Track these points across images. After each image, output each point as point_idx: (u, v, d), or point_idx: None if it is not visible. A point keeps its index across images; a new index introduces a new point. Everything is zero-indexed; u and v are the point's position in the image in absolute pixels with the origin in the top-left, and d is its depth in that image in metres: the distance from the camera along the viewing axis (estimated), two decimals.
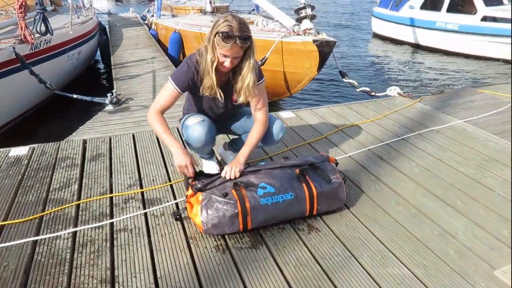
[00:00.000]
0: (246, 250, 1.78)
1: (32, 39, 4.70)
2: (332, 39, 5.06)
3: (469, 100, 3.95)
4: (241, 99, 2.04)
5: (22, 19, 4.44)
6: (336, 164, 2.16)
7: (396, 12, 11.83)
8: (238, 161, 2.00)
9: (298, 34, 5.22)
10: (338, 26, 15.37)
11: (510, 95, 3.97)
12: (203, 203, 1.81)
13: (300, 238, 1.87)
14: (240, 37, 1.79)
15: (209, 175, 1.98)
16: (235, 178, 1.92)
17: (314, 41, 4.97)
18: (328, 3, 22.99)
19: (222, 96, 2.04)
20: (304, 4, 5.26)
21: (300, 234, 1.89)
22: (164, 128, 2.00)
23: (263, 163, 2.09)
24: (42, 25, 4.86)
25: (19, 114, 5.10)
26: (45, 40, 5.14)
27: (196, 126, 2.11)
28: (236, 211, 1.80)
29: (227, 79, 2.06)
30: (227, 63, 1.88)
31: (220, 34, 1.79)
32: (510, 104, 3.73)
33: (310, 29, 5.18)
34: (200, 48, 1.98)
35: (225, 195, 1.83)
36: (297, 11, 5.38)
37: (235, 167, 1.94)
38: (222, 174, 1.93)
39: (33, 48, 4.87)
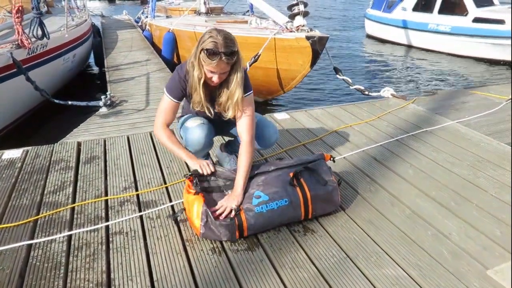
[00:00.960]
0: (242, 252, 1.79)
1: (29, 43, 4.66)
2: (325, 34, 5.07)
3: (462, 101, 4.00)
4: (230, 114, 2.01)
5: (19, 24, 4.39)
6: (333, 160, 2.16)
7: (389, 14, 11.92)
8: (236, 195, 1.88)
9: (291, 31, 5.23)
10: (332, 28, 15.43)
11: (510, 97, 4.00)
12: (205, 207, 1.81)
13: (296, 239, 1.88)
14: (226, 53, 1.77)
15: (208, 177, 1.97)
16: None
17: (307, 37, 4.98)
18: (322, 5, 23.09)
19: (212, 112, 2.05)
20: (297, 0, 5.27)
21: (295, 236, 1.90)
22: (173, 141, 2.03)
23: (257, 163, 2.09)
24: (39, 29, 4.83)
25: (14, 120, 5.06)
26: (41, 44, 5.10)
27: (196, 129, 2.11)
28: (232, 222, 1.81)
29: (216, 91, 2.05)
30: (215, 78, 1.88)
31: (205, 51, 1.77)
32: (510, 105, 3.77)
33: (303, 25, 5.19)
34: (188, 61, 1.97)
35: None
36: (290, 7, 5.39)
37: (233, 202, 1.86)
38: (220, 211, 1.83)
39: (30, 53, 4.83)
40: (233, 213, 1.83)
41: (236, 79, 1.92)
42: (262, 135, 2.22)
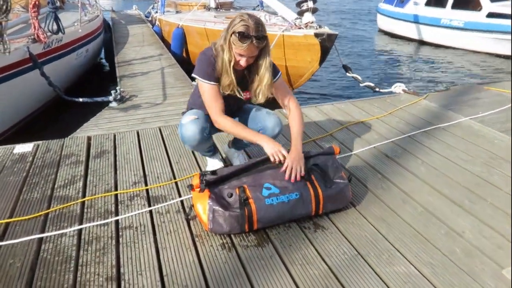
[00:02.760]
0: (252, 248, 1.78)
1: (45, 38, 4.70)
2: (333, 32, 5.02)
3: (475, 97, 3.92)
4: (260, 99, 2.04)
5: (35, 18, 4.43)
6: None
7: (401, 9, 11.77)
8: (297, 153, 1.95)
9: (299, 28, 5.18)
10: (344, 22, 15.33)
11: (510, 92, 3.93)
12: (210, 203, 1.80)
13: (306, 236, 1.86)
14: (257, 37, 1.80)
15: (216, 172, 1.94)
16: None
17: (316, 34, 4.93)
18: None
19: (241, 94, 2.04)
20: None
21: (306, 232, 1.88)
22: (240, 125, 2.02)
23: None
24: (54, 23, 4.87)
25: (28, 114, 5.10)
26: (56, 39, 5.14)
27: (189, 125, 2.09)
28: (242, 212, 1.79)
29: (242, 75, 2.05)
30: (242, 62, 1.90)
31: (237, 34, 1.79)
32: (510, 102, 3.70)
33: (312, 22, 5.14)
34: (215, 45, 1.97)
35: (230, 196, 1.83)
36: (299, 4, 5.35)
37: (299, 163, 1.92)
38: (288, 174, 1.88)
39: (45, 47, 4.86)
40: (303, 172, 1.89)
41: (265, 64, 1.94)
42: (265, 126, 2.22)
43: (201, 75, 1.99)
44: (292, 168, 1.89)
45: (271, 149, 1.93)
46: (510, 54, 9.23)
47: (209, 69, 1.98)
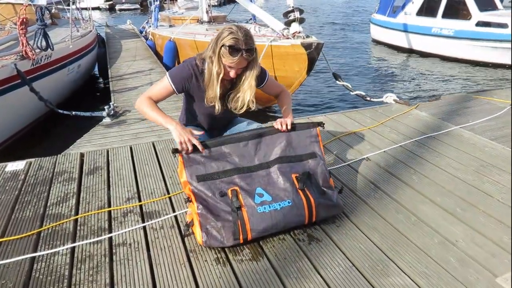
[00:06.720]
0: (246, 262, 1.77)
1: (33, 55, 4.71)
2: (320, 41, 5.08)
3: (465, 106, 3.97)
4: (238, 109, 2.05)
5: (23, 35, 4.46)
6: (323, 126, 2.19)
7: (393, 19, 11.97)
8: (288, 117, 2.11)
9: (287, 38, 5.24)
10: (339, 33, 15.54)
11: (510, 100, 3.98)
12: (201, 218, 1.80)
13: (300, 248, 1.86)
14: (246, 50, 1.81)
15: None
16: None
17: (302, 43, 5.00)
18: (330, 9, 23.23)
19: (220, 109, 2.04)
20: (292, 7, 5.29)
21: (300, 245, 1.88)
22: (154, 107, 1.99)
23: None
24: (43, 40, 4.90)
25: (19, 130, 5.09)
26: (45, 55, 5.16)
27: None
28: (234, 220, 1.79)
29: (231, 85, 2.07)
30: (232, 73, 1.91)
31: (227, 48, 1.80)
32: (510, 109, 3.74)
33: (299, 32, 5.21)
34: (201, 55, 1.98)
35: (222, 195, 1.84)
36: (286, 14, 5.41)
37: (286, 119, 2.07)
38: (278, 126, 2.03)
39: (34, 64, 4.88)
40: (289, 125, 2.04)
41: (252, 76, 1.95)
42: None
43: (170, 75, 2.03)
44: (281, 124, 2.03)
45: (179, 136, 1.83)
46: (498, 62, 9.39)
47: (179, 76, 2.02)
